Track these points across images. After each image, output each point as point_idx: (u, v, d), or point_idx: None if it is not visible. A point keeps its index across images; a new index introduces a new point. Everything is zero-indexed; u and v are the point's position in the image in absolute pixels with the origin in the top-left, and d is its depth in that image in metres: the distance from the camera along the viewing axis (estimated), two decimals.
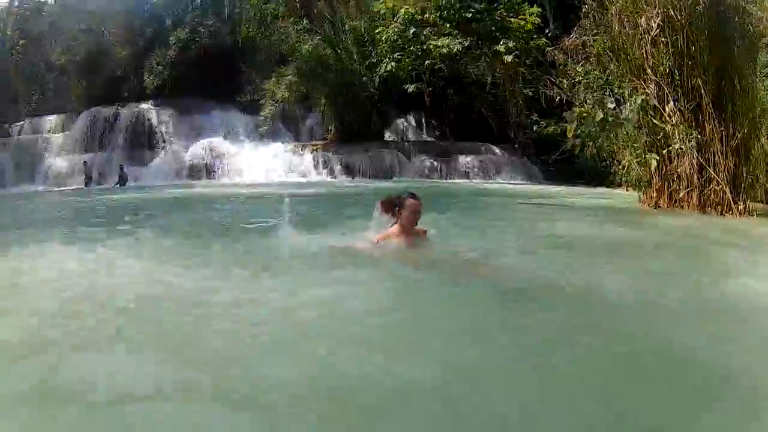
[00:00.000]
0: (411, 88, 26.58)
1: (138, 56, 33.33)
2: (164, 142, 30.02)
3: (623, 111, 12.48)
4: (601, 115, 11.54)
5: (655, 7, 11.49)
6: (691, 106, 11.67)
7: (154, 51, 32.61)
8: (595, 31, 13.57)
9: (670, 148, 11.62)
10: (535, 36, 23.66)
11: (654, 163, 11.69)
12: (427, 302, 4.18)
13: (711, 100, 11.36)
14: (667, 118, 11.93)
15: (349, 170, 25.70)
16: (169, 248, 6.02)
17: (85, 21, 35.13)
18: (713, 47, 11.30)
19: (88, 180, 26.53)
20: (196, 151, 27.62)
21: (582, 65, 14.73)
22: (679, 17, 11.28)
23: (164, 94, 31.91)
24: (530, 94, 24.57)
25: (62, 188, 25.58)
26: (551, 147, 25.46)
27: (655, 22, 11.57)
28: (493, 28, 23.54)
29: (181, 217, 11.18)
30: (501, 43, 23.01)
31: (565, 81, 15.64)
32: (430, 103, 29.84)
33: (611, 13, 12.72)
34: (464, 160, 25.82)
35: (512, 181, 23.99)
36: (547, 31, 23.90)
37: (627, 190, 18.28)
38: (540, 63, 22.85)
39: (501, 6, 23.74)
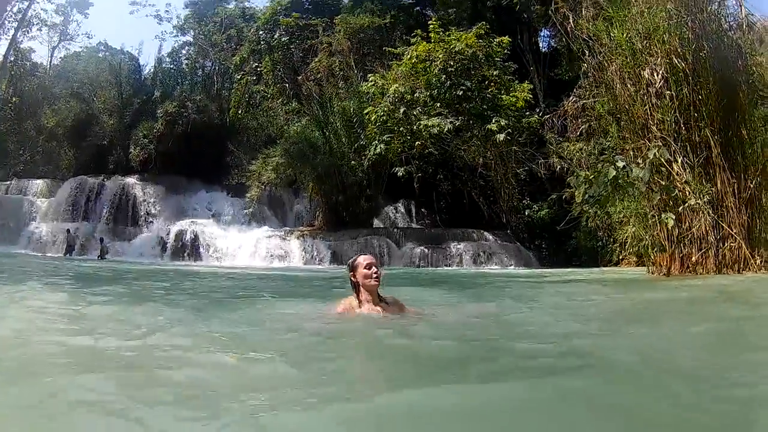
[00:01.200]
0: (401, 171, 25.87)
1: (125, 127, 32.95)
2: (148, 219, 29.19)
3: (632, 171, 11.66)
4: (614, 173, 10.64)
5: (658, 57, 10.97)
6: (699, 159, 10.99)
7: (141, 123, 32.24)
8: (594, 91, 13.07)
9: (686, 205, 10.79)
10: (527, 113, 23.33)
11: (671, 222, 10.76)
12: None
13: (720, 151, 10.69)
14: (676, 177, 11.19)
15: (336, 257, 24.63)
16: None
17: (76, 85, 35.31)
18: (719, 94, 10.75)
19: (70, 249, 25.32)
20: (180, 231, 26.50)
21: (581, 132, 14.17)
22: (683, 65, 10.76)
23: (149, 168, 31.33)
24: (523, 175, 24.04)
25: (43, 254, 24.62)
26: (545, 231, 24.82)
27: (658, 74, 11.03)
28: (485, 107, 23.17)
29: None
30: (493, 121, 22.50)
31: (566, 147, 15.01)
32: (419, 190, 29.29)
33: (611, 71, 12.22)
34: (456, 246, 24.86)
35: (506, 267, 22.98)
36: (537, 109, 23.67)
37: (629, 266, 17.41)
38: (532, 141, 22.44)
39: (492, 84, 23.47)
